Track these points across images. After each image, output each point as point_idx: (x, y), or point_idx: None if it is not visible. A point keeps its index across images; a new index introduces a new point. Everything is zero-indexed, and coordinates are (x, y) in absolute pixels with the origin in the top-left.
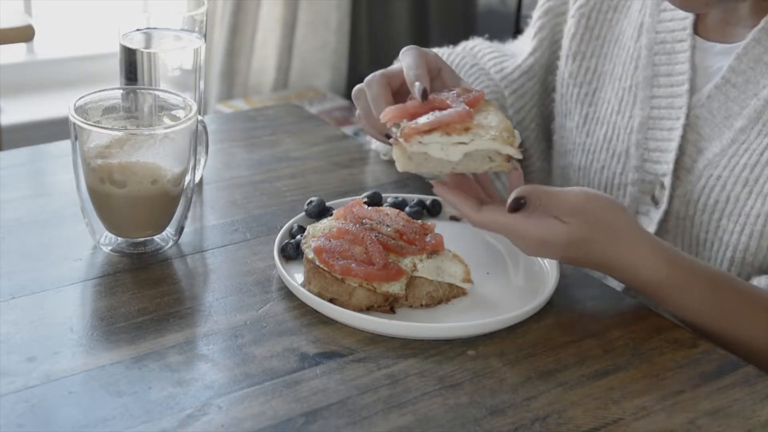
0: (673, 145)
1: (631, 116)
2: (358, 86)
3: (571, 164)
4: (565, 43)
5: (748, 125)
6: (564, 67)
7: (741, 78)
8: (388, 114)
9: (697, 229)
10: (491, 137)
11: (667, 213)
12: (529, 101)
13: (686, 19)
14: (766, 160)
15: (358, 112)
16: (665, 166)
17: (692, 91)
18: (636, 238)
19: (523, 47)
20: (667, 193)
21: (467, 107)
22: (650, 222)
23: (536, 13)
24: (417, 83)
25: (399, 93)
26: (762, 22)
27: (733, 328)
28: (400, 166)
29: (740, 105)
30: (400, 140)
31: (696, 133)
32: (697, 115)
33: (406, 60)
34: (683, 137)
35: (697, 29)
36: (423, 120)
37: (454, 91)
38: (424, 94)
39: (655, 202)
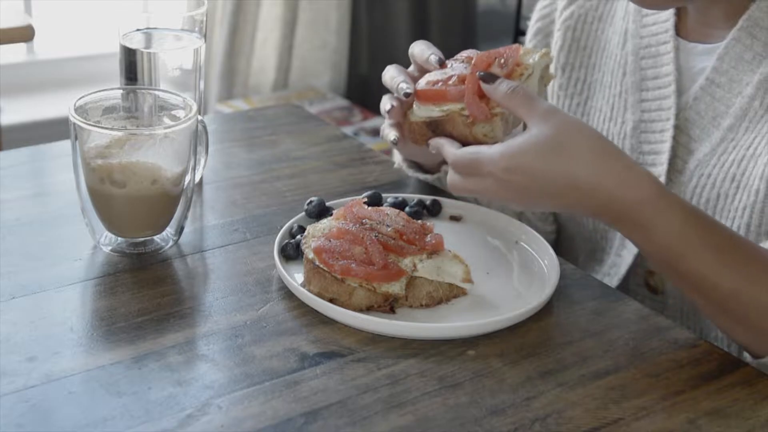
0: (666, 147)
1: (624, 122)
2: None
3: None
4: (553, 56)
5: (735, 123)
6: (553, 80)
7: (725, 78)
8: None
9: None
10: (541, 54)
11: None
12: None
13: (667, 21)
14: (751, 154)
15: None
16: (660, 167)
17: (679, 92)
18: (618, 160)
19: None
20: None
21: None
22: None
23: (528, 36)
24: (433, 55)
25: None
26: (740, 22)
27: (708, 264)
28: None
29: (726, 104)
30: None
31: (686, 135)
32: (686, 117)
33: (416, 46)
34: (674, 139)
35: (678, 31)
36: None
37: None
38: (441, 62)
39: None
